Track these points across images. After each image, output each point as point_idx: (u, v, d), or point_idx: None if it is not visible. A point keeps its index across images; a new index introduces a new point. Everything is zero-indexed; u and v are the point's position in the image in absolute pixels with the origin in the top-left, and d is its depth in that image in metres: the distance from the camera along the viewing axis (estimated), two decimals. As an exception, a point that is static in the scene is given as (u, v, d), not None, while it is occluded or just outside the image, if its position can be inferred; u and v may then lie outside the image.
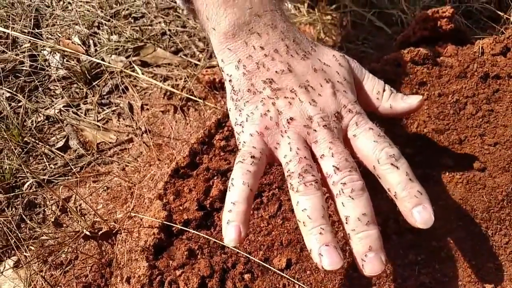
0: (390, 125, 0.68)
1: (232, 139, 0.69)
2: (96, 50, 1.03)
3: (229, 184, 0.47)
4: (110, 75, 0.97)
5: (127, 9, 1.10)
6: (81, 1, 1.14)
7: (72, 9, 1.11)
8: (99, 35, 1.06)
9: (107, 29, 1.07)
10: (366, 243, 0.44)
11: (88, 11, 1.11)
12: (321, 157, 0.48)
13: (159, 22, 1.07)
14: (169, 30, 1.05)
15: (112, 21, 1.08)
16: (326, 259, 0.42)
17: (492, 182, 0.62)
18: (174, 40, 1.03)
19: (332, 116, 0.50)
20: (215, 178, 0.66)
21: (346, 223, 0.46)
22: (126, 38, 1.03)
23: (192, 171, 0.68)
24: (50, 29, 1.08)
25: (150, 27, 1.06)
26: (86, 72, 0.96)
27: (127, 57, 1.00)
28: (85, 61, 1.00)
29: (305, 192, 0.46)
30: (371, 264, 0.44)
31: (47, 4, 1.14)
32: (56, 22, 1.10)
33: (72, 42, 1.04)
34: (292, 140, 0.48)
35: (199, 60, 0.99)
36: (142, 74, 0.95)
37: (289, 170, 0.47)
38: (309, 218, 0.44)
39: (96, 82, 0.97)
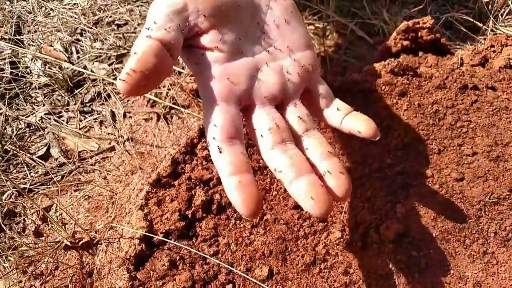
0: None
1: (214, 148, 0.69)
2: (78, 57, 1.02)
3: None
4: (92, 82, 0.96)
5: (110, 16, 1.10)
6: (64, 8, 1.13)
7: (55, 16, 1.10)
8: (82, 42, 1.05)
9: (89, 36, 1.06)
10: None
11: (71, 17, 1.10)
12: None
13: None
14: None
15: (95, 28, 1.07)
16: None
17: (470, 192, 0.63)
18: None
19: None
20: (198, 187, 0.66)
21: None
22: (109, 45, 1.02)
23: (174, 181, 0.67)
24: (32, 35, 1.07)
25: (133, 34, 1.06)
26: (68, 80, 0.96)
27: (109, 65, 0.99)
28: (67, 68, 0.99)
29: None
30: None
31: (28, 10, 1.13)
32: (38, 28, 1.09)
33: (54, 49, 1.02)
34: None
35: (183, 68, 0.99)
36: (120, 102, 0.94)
37: None
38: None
39: (78, 90, 0.96)
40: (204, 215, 0.63)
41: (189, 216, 0.64)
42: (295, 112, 0.49)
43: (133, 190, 0.72)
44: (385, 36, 0.97)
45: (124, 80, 0.39)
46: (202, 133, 0.71)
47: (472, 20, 0.96)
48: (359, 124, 0.47)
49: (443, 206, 0.63)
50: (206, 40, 0.46)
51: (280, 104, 0.50)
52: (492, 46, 0.82)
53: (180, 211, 0.63)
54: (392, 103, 0.69)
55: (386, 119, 0.68)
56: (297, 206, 0.63)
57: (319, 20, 1.01)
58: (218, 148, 0.42)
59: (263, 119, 0.46)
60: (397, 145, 0.67)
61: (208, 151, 0.69)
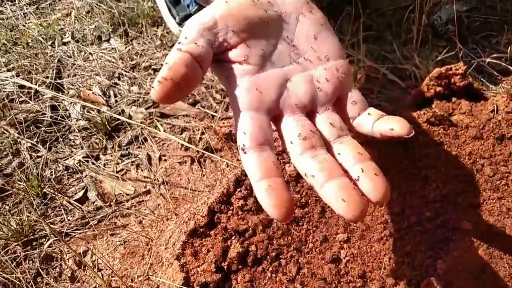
0: (410, 186, 0.68)
1: (250, 198, 0.70)
2: (116, 101, 1.06)
3: None
4: (129, 126, 0.99)
5: (147, 61, 1.14)
6: (102, 52, 1.18)
7: (93, 60, 1.15)
8: (120, 86, 1.09)
9: (127, 80, 1.10)
10: None
11: (109, 62, 1.15)
12: None
13: (177, 74, 1.10)
14: (187, 81, 1.07)
15: (132, 73, 1.12)
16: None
17: (513, 248, 0.62)
18: (192, 92, 1.05)
19: None
20: (233, 238, 0.66)
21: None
22: (146, 90, 1.06)
23: (209, 231, 0.68)
24: (72, 79, 1.12)
25: (168, 78, 1.09)
26: (106, 123, 0.99)
27: (146, 109, 1.03)
28: (105, 112, 1.02)
29: None
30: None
31: (69, 54, 1.18)
32: (77, 72, 1.14)
33: (93, 93, 1.07)
34: None
35: (216, 112, 1.01)
36: (163, 130, 0.97)
37: None
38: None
39: (115, 133, 0.99)
40: (239, 267, 0.64)
41: (225, 268, 0.64)
42: (327, 119, 0.49)
43: (169, 238, 0.73)
44: (417, 80, 0.98)
45: (156, 88, 0.42)
46: (238, 182, 0.72)
47: (503, 64, 0.95)
48: (391, 123, 0.47)
49: (485, 262, 0.61)
50: (235, 54, 0.48)
51: (310, 112, 0.50)
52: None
53: (216, 263, 0.64)
54: (429, 153, 0.69)
55: (423, 169, 0.68)
56: (334, 260, 0.63)
57: (350, 64, 1.03)
58: (246, 153, 0.43)
59: (293, 126, 0.47)
60: (435, 197, 0.67)
61: (244, 200, 0.69)
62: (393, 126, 0.46)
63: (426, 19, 1.09)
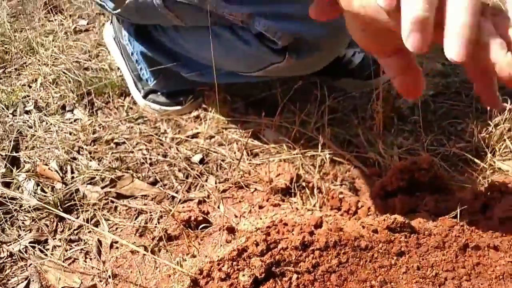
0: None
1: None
2: (73, 177, 1.01)
3: None
4: (82, 207, 0.94)
5: (110, 134, 1.10)
6: (64, 123, 1.14)
7: (54, 131, 1.11)
8: (78, 160, 1.05)
9: (86, 154, 1.06)
10: None
11: (70, 134, 1.11)
12: None
13: (141, 149, 1.07)
14: (150, 158, 1.04)
15: (93, 146, 1.08)
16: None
17: None
18: (154, 169, 1.02)
19: None
20: None
21: None
22: (105, 166, 1.02)
23: None
24: (29, 152, 1.07)
25: (131, 154, 1.06)
26: (58, 203, 0.94)
27: (103, 187, 0.98)
28: (60, 189, 0.98)
29: None
30: None
31: (29, 124, 1.14)
32: (36, 144, 1.09)
33: (49, 168, 1.02)
34: None
35: (177, 192, 0.97)
36: (119, 212, 0.92)
37: None
38: None
39: (67, 215, 0.93)
40: None
41: None
42: None
43: None
44: (381, 168, 0.96)
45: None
46: (194, 284, 0.67)
47: (469, 156, 0.95)
48: None
49: None
50: None
51: None
52: (491, 191, 0.80)
53: None
54: (390, 263, 0.66)
55: (384, 284, 0.64)
56: None
57: (314, 148, 1.01)
58: None
59: None
60: (394, 313, 0.63)
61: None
62: None
63: (392, 103, 1.10)
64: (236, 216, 0.92)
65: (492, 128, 0.99)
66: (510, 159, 0.97)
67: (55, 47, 1.34)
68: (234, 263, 0.67)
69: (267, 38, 0.81)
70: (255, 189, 0.97)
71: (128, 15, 1.01)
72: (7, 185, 1.00)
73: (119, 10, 0.98)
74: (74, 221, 0.92)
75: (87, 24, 1.54)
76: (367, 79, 1.16)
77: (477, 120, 1.03)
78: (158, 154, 1.05)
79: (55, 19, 1.51)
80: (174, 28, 0.97)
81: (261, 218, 0.88)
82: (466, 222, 0.72)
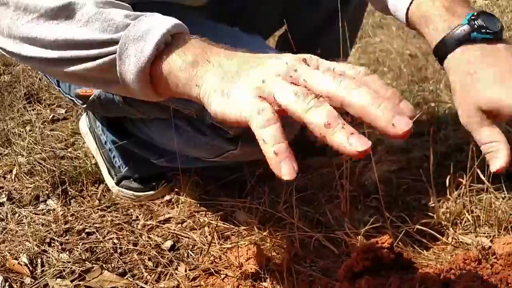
0: None
1: None
2: (42, 271, 1.01)
3: None
4: (50, 304, 0.92)
5: (82, 224, 1.11)
6: (36, 214, 1.15)
7: (26, 224, 1.12)
8: (49, 252, 1.05)
9: (57, 245, 1.06)
10: None
11: (42, 225, 1.12)
12: None
13: (111, 238, 1.07)
14: (120, 247, 1.05)
15: (65, 237, 1.08)
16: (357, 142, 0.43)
17: None
18: (124, 259, 1.02)
19: None
20: None
21: None
22: (75, 258, 1.02)
23: None
24: (0, 247, 1.07)
25: (101, 243, 1.06)
26: (25, 301, 0.92)
27: (72, 281, 0.97)
28: (28, 284, 0.96)
29: None
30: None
31: (1, 217, 1.15)
32: (7, 237, 1.09)
33: (19, 263, 1.01)
34: None
35: (146, 283, 0.97)
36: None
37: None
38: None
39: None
40: None
41: None
42: None
43: None
44: (348, 247, 0.98)
45: None
46: None
47: (432, 232, 0.98)
48: None
49: None
50: None
51: None
52: (451, 269, 0.82)
53: None
54: None
55: None
56: None
57: (284, 228, 1.03)
58: None
59: None
60: None
61: None
62: None
63: (357, 179, 1.14)
64: (206, 306, 0.91)
65: (452, 202, 1.03)
66: (471, 232, 1.00)
67: (31, 137, 1.38)
68: None
69: (220, 128, 0.87)
70: (226, 275, 0.97)
71: (94, 109, 1.08)
72: (-26, 283, 0.98)
73: (85, 105, 1.04)
74: (40, 319, 0.90)
75: (65, 112, 1.60)
76: (332, 156, 1.22)
77: (438, 194, 1.07)
78: (129, 243, 1.06)
79: (33, 109, 1.57)
80: (140, 119, 1.03)
81: (230, 307, 0.87)
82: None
